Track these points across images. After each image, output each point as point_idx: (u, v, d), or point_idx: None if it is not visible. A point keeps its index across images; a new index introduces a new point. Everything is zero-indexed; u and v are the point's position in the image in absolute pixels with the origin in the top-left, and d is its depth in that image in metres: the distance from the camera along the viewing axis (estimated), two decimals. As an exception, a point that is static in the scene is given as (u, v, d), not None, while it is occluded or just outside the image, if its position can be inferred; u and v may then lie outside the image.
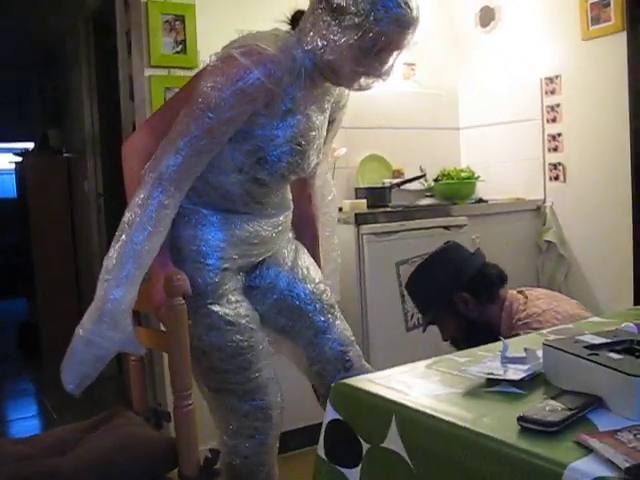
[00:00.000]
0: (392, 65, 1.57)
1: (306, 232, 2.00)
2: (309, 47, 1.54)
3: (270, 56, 1.48)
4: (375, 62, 1.52)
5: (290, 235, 1.92)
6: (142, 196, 1.49)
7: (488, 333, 1.96)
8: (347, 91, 1.81)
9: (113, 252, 1.48)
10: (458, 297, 2.11)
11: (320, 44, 1.51)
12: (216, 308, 1.66)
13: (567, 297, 2.22)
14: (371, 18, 1.44)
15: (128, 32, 2.98)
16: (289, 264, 1.86)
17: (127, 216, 1.50)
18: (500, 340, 1.88)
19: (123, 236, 1.48)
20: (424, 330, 2.26)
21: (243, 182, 1.63)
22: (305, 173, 1.72)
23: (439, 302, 2.14)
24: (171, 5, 2.72)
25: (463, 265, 2.15)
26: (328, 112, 1.75)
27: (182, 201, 1.59)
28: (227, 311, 1.67)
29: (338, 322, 1.89)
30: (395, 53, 1.54)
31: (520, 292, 2.16)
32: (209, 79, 1.49)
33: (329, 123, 1.81)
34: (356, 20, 1.45)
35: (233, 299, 1.70)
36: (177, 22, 2.75)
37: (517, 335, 1.85)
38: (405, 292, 2.39)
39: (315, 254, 2.01)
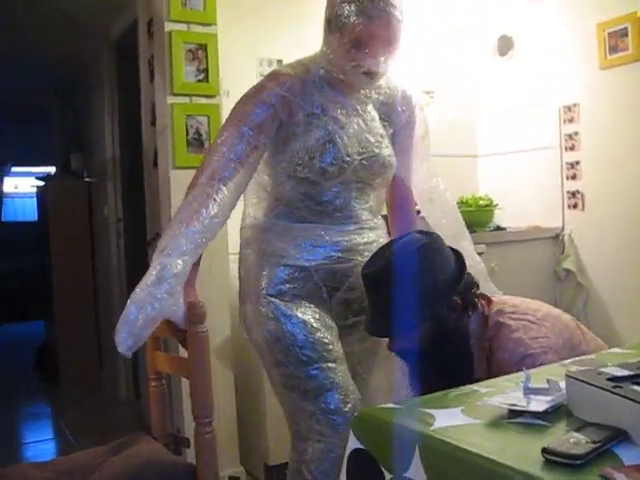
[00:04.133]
0: (382, 59, 1.73)
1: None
2: (321, 58, 1.83)
3: (283, 73, 1.81)
4: (361, 55, 1.71)
5: None
6: (194, 192, 1.65)
7: (459, 346, 1.76)
8: (399, 92, 1.97)
9: (167, 232, 1.60)
10: (451, 302, 1.73)
11: (326, 53, 1.80)
12: (276, 300, 1.79)
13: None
14: (344, 17, 1.70)
15: (150, 60, 3.04)
16: None
17: (180, 206, 1.67)
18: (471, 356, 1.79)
19: (175, 220, 1.62)
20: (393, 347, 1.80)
21: (296, 186, 1.81)
22: (349, 166, 1.80)
23: (436, 305, 1.71)
24: (194, 34, 2.77)
25: (460, 265, 1.78)
26: (368, 114, 1.89)
27: (259, 218, 1.88)
28: (288, 305, 1.79)
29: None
30: (380, 45, 1.71)
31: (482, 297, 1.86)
32: (240, 102, 1.80)
33: (399, 128, 1.97)
34: (337, 22, 1.72)
35: (299, 302, 1.80)
36: (199, 51, 2.79)
37: (491, 346, 1.71)
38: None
39: None
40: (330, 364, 1.77)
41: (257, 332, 1.83)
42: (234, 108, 1.80)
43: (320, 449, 1.75)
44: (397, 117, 1.96)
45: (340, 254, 1.83)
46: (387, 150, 1.89)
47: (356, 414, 1.22)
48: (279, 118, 1.76)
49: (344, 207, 1.84)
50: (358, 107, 1.87)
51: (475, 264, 2.14)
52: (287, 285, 1.80)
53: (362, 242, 1.87)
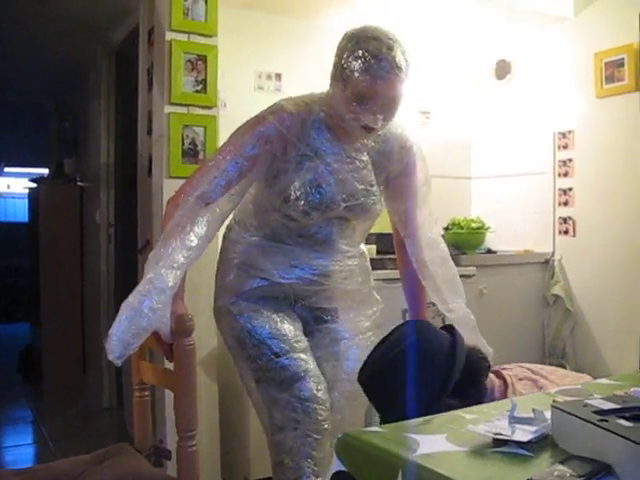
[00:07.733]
0: (381, 117, 1.73)
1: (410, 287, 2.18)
2: (324, 101, 1.84)
3: (285, 110, 1.81)
4: (360, 110, 1.72)
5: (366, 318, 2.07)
6: (185, 208, 1.67)
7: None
8: (397, 143, 1.95)
9: (159, 245, 1.62)
10: (442, 406, 1.51)
11: (329, 97, 1.81)
12: (244, 301, 1.91)
13: (553, 369, 1.86)
14: (349, 70, 1.70)
15: (150, 68, 3.03)
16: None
17: (169, 224, 1.68)
18: None
19: (167, 234, 1.63)
20: None
21: (279, 218, 1.88)
22: (332, 211, 1.87)
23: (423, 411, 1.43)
24: (194, 45, 2.77)
25: (451, 359, 1.63)
26: (361, 162, 1.90)
27: (245, 236, 1.95)
28: (254, 305, 1.90)
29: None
30: (381, 103, 1.71)
31: (497, 373, 1.77)
32: (240, 129, 1.83)
33: (393, 177, 1.99)
34: (342, 74, 1.72)
35: (265, 301, 1.91)
36: (199, 62, 2.79)
37: None
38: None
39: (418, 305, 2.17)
40: (301, 354, 1.87)
41: (228, 331, 1.94)
42: (233, 134, 1.83)
43: (297, 436, 1.83)
44: (391, 166, 1.98)
45: (315, 277, 1.93)
46: (373, 198, 1.93)
47: (339, 436, 1.21)
48: (273, 153, 1.80)
49: (325, 240, 1.93)
50: (352, 154, 1.89)
51: (465, 315, 2.10)
52: (255, 292, 1.92)
53: (337, 269, 1.96)
